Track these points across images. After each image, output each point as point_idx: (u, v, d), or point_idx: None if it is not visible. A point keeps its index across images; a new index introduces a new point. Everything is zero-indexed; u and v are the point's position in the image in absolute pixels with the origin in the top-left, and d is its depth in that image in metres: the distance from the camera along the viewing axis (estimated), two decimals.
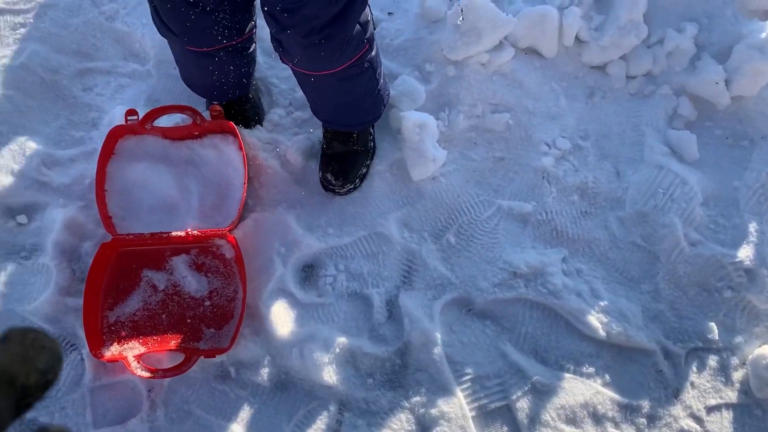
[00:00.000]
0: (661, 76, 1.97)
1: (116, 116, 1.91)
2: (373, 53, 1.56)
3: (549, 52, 1.96)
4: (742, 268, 1.76)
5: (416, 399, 1.64)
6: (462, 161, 1.89)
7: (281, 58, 1.55)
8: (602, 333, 1.69)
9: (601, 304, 1.73)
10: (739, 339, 1.70)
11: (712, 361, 1.69)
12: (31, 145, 1.86)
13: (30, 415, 1.62)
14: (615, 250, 1.82)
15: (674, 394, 1.65)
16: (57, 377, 0.32)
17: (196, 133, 1.87)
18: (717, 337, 1.69)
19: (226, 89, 1.83)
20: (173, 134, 1.86)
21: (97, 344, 1.66)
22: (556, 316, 1.74)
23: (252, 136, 1.91)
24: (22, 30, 1.99)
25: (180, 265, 1.78)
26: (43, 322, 1.71)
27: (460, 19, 1.79)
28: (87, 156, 1.89)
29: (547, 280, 1.75)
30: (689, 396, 1.65)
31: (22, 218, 1.83)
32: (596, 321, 1.70)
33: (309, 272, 1.80)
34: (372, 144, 1.88)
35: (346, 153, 1.82)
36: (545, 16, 1.88)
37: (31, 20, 2.00)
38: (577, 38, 1.96)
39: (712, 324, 1.70)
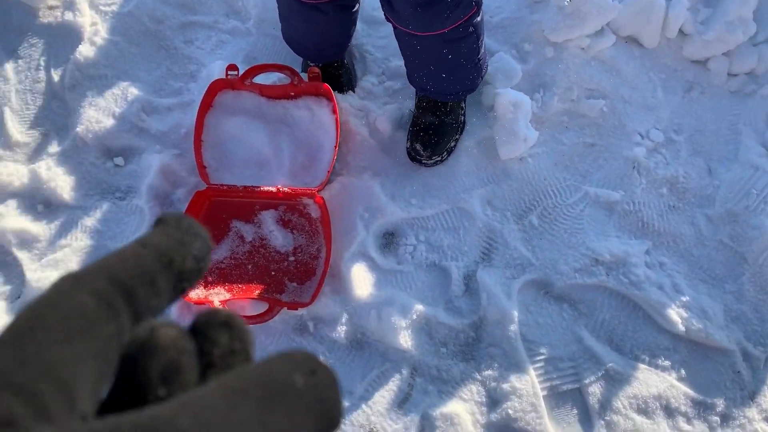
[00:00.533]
0: (764, 76, 1.92)
1: (214, 70, 1.96)
2: (479, 18, 1.56)
3: (650, 42, 1.93)
4: None
5: (488, 372, 1.66)
6: (552, 144, 1.89)
7: (387, 17, 1.57)
8: (681, 328, 1.68)
9: (683, 299, 1.71)
10: None
11: None
12: (133, 91, 1.93)
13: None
14: (700, 247, 1.79)
15: (750, 396, 1.64)
16: (207, 267, 0.33)
17: (292, 93, 1.90)
18: None
19: (326, 49, 1.86)
20: (270, 92, 1.90)
21: None
22: (635, 306, 1.74)
23: (344, 101, 1.94)
24: None
25: (268, 219, 1.83)
26: None
27: (567, 0, 1.78)
28: (184, 106, 1.95)
29: (629, 270, 1.74)
30: (766, 400, 1.63)
31: (119, 160, 1.90)
32: (676, 315, 1.69)
33: (389, 239, 1.83)
34: (462, 118, 1.89)
35: (437, 125, 1.83)
36: (652, 5, 1.85)
37: None
38: (680, 30, 1.93)
39: None
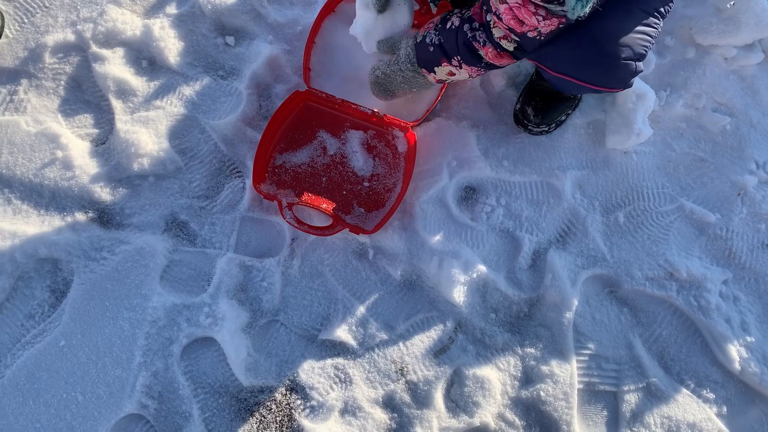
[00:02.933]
0: None
1: None
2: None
3: None
4: None
5: (530, 350, 1.64)
6: (661, 146, 1.81)
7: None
8: (737, 367, 1.62)
9: (747, 339, 1.65)
10: None
11: None
12: None
13: (183, 217, 1.72)
14: None
15: None
16: None
17: (416, 23, 1.85)
18: None
19: None
20: None
21: (259, 179, 1.73)
22: (696, 331, 1.68)
23: None
24: None
25: (354, 139, 1.81)
26: (220, 140, 1.78)
27: (731, 3, 1.67)
28: (306, 5, 1.92)
29: (701, 295, 1.68)
30: None
31: (230, 39, 1.89)
32: (735, 353, 1.63)
33: (470, 194, 1.79)
34: (580, 95, 1.81)
35: (553, 94, 1.76)
36: None
37: None
38: None
39: None
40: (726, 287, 1.71)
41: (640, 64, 1.33)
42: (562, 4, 1.14)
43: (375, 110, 1.77)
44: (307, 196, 1.75)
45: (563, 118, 1.79)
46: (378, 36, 1.59)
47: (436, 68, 1.49)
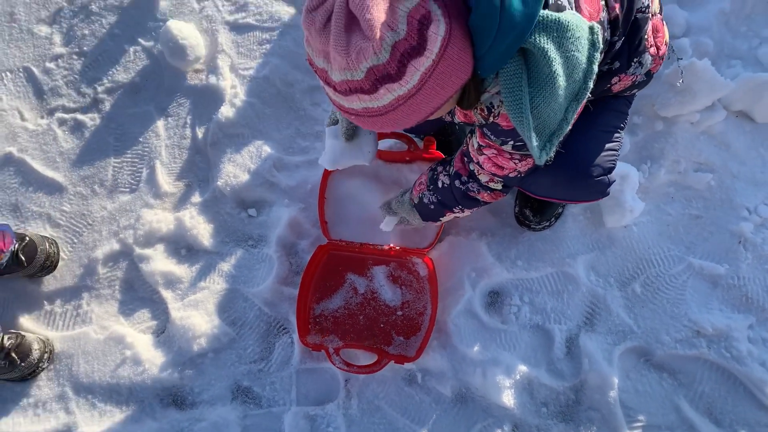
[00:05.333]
0: None
1: None
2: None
3: (762, 117, 1.95)
4: None
5: None
6: (657, 214, 1.95)
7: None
8: None
9: None
10: None
11: None
12: (266, 149, 2.14)
13: (245, 384, 1.90)
14: None
15: None
16: None
17: (408, 159, 2.06)
18: None
19: (437, 125, 2.00)
20: (388, 156, 2.07)
21: (304, 332, 1.92)
22: (736, 381, 1.77)
23: None
24: (268, 46, 2.27)
25: (379, 274, 1.99)
26: (263, 304, 1.98)
27: (680, 81, 1.85)
28: (310, 164, 2.15)
29: (731, 345, 1.79)
30: None
31: (252, 211, 2.12)
32: None
33: (495, 298, 1.94)
34: None
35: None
36: (765, 83, 1.88)
37: (276, 38, 2.28)
38: None
39: None
40: (752, 332, 1.81)
41: (612, 176, 1.50)
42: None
43: (391, 245, 1.96)
44: (349, 338, 1.92)
45: (560, 210, 1.96)
46: (345, 163, 1.73)
47: (441, 218, 1.69)
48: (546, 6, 1.03)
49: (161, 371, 1.92)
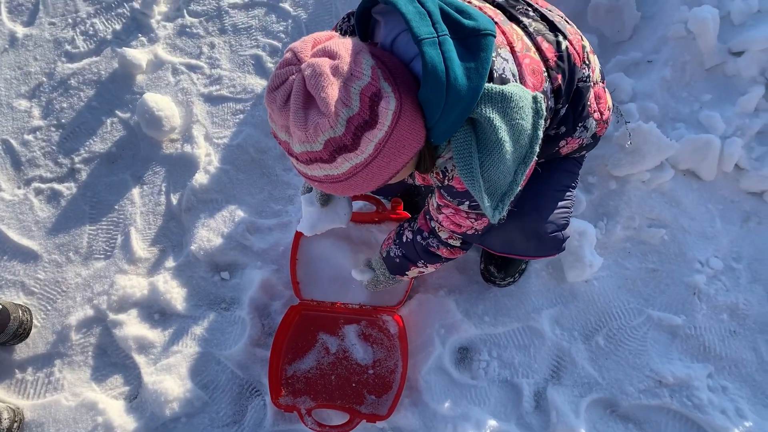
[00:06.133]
0: None
1: None
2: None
3: (708, 175, 2.08)
4: None
5: None
6: (615, 268, 2.04)
7: None
8: None
9: (746, 424, 1.79)
10: None
11: None
12: (240, 213, 2.21)
13: None
14: (762, 372, 1.88)
15: None
16: None
17: (377, 219, 2.14)
18: None
19: (404, 188, 2.09)
20: (357, 218, 2.14)
21: (276, 393, 1.93)
22: (699, 429, 1.82)
23: None
24: (241, 116, 2.38)
25: (351, 333, 2.03)
26: (235, 367, 2.00)
27: (629, 143, 1.97)
28: (283, 227, 2.21)
29: (692, 393, 1.84)
30: None
31: (225, 274, 2.16)
32: None
33: (464, 354, 1.99)
34: None
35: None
36: (708, 144, 2.02)
37: (249, 108, 2.39)
38: (736, 165, 2.08)
39: None
40: (712, 380, 1.87)
41: (566, 231, 1.59)
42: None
43: (361, 304, 2.02)
44: (322, 399, 1.94)
45: (523, 266, 2.03)
46: (323, 228, 1.79)
47: (407, 272, 1.75)
48: (491, 79, 1.13)
49: None
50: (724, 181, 2.11)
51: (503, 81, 1.15)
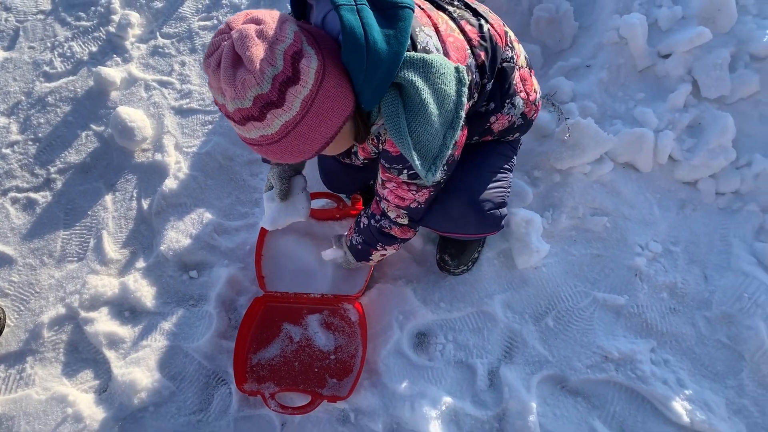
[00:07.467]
0: (748, 195, 2.19)
1: None
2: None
3: (645, 167, 2.24)
4: None
5: None
6: (562, 255, 2.17)
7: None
8: (686, 419, 1.84)
9: (686, 392, 1.89)
10: None
11: None
12: (207, 216, 2.32)
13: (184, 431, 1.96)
14: (701, 345, 1.99)
15: None
16: None
17: (338, 216, 2.26)
18: None
19: (361, 184, 2.22)
20: (319, 215, 2.27)
21: (241, 380, 2.01)
22: (643, 399, 1.92)
23: None
24: (210, 126, 2.52)
25: (313, 322, 2.13)
26: (202, 358, 2.08)
27: (567, 135, 2.13)
28: (249, 227, 2.32)
29: (636, 367, 1.95)
30: None
31: (193, 273, 2.26)
32: (681, 408, 1.86)
33: (422, 339, 2.09)
34: None
35: (462, 240, 2.14)
36: (642, 137, 2.18)
37: (217, 119, 2.53)
38: (670, 157, 2.24)
39: None
40: (654, 354, 1.98)
41: (504, 210, 1.72)
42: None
43: (323, 294, 2.12)
44: (285, 383, 2.02)
45: (476, 255, 2.15)
46: (284, 222, 1.92)
47: (371, 257, 1.87)
48: (414, 49, 1.28)
49: (102, 427, 1.97)
50: (660, 172, 2.27)
51: (426, 51, 1.29)
